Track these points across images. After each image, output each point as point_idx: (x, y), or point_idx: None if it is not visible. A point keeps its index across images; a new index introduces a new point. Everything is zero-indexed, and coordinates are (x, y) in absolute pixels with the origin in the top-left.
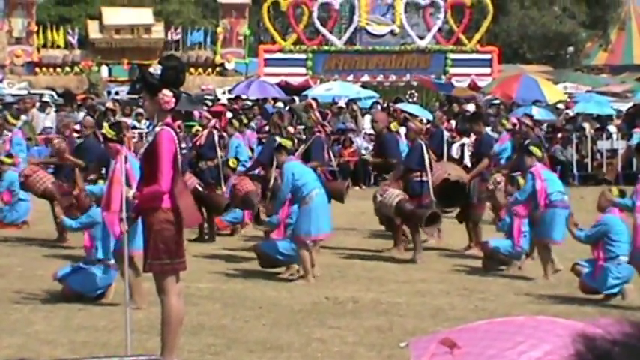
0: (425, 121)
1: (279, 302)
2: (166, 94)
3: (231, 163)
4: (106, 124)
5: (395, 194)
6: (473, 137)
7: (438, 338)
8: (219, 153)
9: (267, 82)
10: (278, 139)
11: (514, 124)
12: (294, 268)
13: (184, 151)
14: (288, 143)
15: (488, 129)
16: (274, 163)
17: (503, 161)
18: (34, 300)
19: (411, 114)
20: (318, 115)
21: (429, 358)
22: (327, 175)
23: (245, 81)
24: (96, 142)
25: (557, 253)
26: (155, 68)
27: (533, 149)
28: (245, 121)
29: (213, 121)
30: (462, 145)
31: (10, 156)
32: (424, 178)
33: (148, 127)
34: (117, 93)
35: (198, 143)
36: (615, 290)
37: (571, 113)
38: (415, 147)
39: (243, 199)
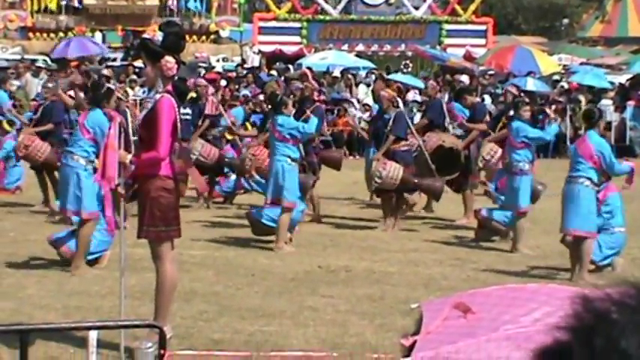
0: (417, 91)
1: (272, 270)
2: (169, 60)
3: (249, 125)
4: None
5: (397, 167)
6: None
7: (452, 302)
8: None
9: (89, 38)
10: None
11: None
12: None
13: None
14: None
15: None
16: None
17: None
18: (27, 265)
19: (404, 84)
20: (314, 83)
21: (442, 321)
22: (320, 145)
23: (64, 41)
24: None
25: (544, 225)
26: (155, 35)
27: None
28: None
29: (211, 89)
30: None
31: (11, 123)
32: (413, 146)
33: (144, 94)
34: (114, 60)
35: (208, 112)
36: (608, 261)
37: (566, 85)
38: (398, 115)
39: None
